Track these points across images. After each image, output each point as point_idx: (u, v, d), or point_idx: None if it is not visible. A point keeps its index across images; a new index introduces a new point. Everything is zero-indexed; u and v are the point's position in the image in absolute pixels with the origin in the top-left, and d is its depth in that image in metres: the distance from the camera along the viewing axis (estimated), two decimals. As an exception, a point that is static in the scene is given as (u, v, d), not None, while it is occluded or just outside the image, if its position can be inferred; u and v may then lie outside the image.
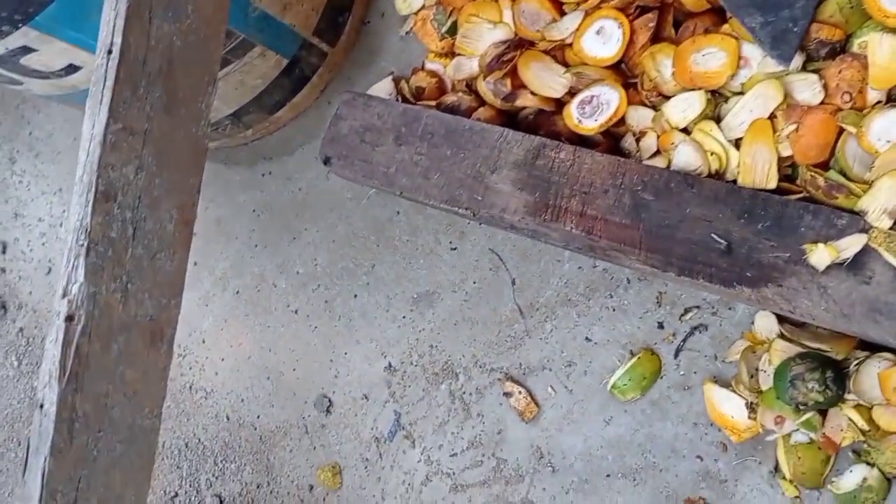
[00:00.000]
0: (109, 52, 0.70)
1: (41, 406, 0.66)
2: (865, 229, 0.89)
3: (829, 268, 0.89)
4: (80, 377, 0.68)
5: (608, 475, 1.11)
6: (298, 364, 1.37)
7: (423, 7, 1.30)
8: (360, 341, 1.32)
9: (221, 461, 1.39)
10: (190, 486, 1.41)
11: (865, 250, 0.89)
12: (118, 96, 0.70)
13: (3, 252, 1.74)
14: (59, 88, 1.13)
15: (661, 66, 1.07)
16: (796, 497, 1.03)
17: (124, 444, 0.72)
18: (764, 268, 0.94)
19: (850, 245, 0.89)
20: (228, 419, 1.42)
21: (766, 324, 1.05)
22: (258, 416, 1.40)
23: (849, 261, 0.89)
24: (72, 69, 1.07)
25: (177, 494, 1.42)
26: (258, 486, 1.34)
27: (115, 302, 0.70)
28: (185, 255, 0.77)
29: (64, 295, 0.67)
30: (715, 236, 0.96)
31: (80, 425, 0.68)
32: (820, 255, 0.89)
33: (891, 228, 0.88)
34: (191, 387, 1.47)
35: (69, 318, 0.66)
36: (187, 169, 0.77)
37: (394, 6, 1.36)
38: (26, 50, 1.00)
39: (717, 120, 1.03)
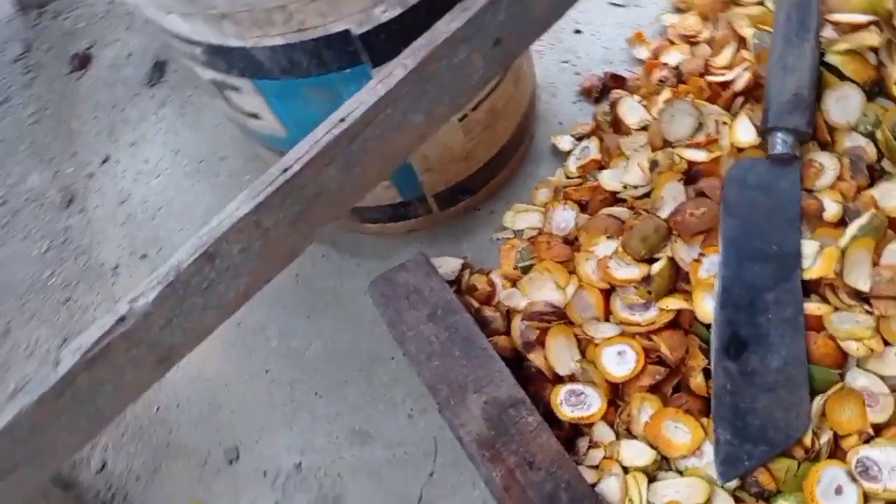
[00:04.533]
0: (285, 171, 0.92)
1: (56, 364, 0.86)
2: None
3: None
4: (95, 362, 0.87)
5: None
6: (242, 410, 1.54)
7: (516, 235, 1.53)
8: (297, 430, 1.49)
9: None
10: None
11: None
12: (268, 200, 0.91)
13: (102, 164, 1.97)
14: (237, 117, 1.37)
15: (643, 410, 1.25)
16: None
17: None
18: None
19: None
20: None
21: None
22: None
23: None
24: (255, 116, 1.31)
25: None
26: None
27: (156, 325, 0.90)
28: (220, 321, 0.97)
29: (129, 301, 0.87)
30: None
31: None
32: None
33: None
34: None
35: (120, 319, 0.86)
36: (274, 268, 0.98)
37: (503, 214, 1.59)
38: (234, 88, 1.24)
39: (651, 479, 1.21)
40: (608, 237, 1.39)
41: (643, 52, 1.72)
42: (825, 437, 1.15)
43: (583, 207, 1.50)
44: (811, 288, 1.24)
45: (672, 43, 1.69)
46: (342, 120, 0.94)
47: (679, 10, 1.78)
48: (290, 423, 1.50)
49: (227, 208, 0.91)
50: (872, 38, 1.34)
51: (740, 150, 1.38)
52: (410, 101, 0.99)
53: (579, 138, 1.64)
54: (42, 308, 1.74)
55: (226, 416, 1.55)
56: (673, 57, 1.64)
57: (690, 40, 1.67)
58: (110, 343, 0.88)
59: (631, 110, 1.56)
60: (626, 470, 1.23)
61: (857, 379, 1.17)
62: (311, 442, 1.48)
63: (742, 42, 1.57)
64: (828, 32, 1.40)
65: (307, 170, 0.93)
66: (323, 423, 1.49)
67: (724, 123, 1.42)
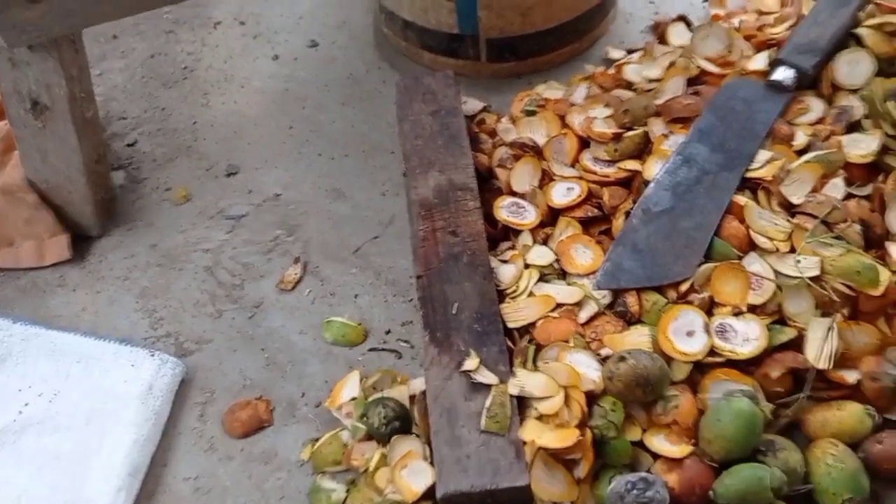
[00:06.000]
0: None
1: None
2: None
3: None
4: None
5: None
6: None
7: (538, 93, 1.71)
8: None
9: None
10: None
11: None
12: None
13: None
14: None
15: (564, 231, 1.40)
16: None
17: None
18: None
19: None
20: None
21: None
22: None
23: None
24: None
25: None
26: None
27: None
28: None
29: None
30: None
31: None
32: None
33: None
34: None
35: None
36: None
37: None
38: None
39: (542, 280, 1.35)
40: (605, 107, 1.55)
41: (719, 12, 1.87)
42: (701, 296, 1.26)
43: (602, 91, 1.66)
44: (749, 186, 1.37)
45: (746, 12, 1.83)
46: None
47: (767, -8, 1.92)
48: (287, 167, 1.73)
49: None
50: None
51: (746, 73, 1.52)
52: None
53: (629, 52, 1.81)
54: None
55: (243, 144, 1.79)
56: (739, 19, 1.79)
57: (762, 13, 1.81)
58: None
59: (679, 33, 1.73)
60: (526, 267, 1.38)
61: (753, 263, 1.28)
62: (296, 184, 1.69)
63: (802, 18, 1.70)
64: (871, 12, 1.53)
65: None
66: (313, 175, 1.70)
67: (747, 57, 1.56)
